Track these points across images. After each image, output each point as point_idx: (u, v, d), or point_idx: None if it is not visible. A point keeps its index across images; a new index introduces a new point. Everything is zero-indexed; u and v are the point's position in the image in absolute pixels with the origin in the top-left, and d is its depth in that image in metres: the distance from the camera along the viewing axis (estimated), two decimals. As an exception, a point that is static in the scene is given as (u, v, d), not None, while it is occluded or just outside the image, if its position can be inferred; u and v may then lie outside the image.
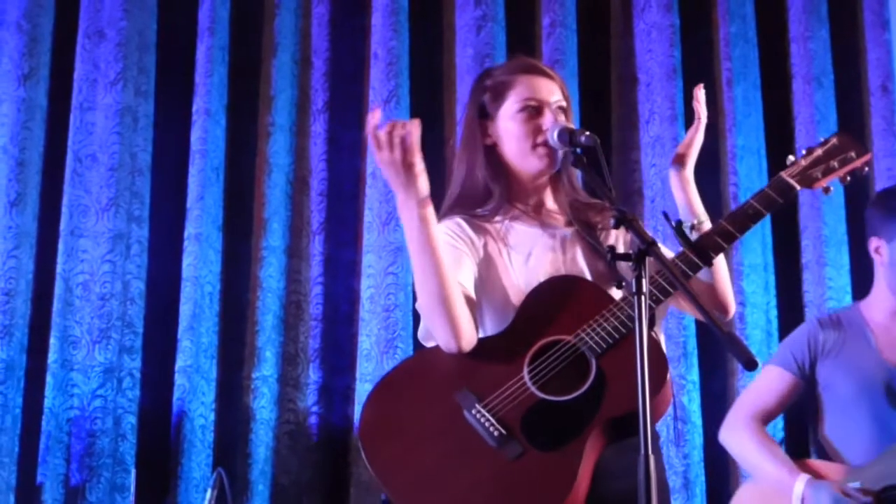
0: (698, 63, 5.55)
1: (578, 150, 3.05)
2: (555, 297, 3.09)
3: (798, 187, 3.14)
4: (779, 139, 5.51)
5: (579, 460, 2.89)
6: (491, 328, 3.19)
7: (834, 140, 3.21)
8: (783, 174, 3.15)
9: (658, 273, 3.00)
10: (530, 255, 3.20)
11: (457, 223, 3.24)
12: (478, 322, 3.17)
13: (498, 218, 3.25)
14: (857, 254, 5.34)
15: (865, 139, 5.52)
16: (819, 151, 3.19)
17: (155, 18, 5.18)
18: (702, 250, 3.03)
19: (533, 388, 2.97)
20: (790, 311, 5.32)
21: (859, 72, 5.68)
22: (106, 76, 5.01)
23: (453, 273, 3.06)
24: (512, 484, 2.91)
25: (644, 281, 2.60)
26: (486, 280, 3.19)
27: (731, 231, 3.06)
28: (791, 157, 3.20)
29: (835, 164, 3.17)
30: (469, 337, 3.05)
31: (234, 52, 5.24)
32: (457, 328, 3.02)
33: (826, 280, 5.24)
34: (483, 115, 3.29)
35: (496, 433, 2.94)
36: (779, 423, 5.19)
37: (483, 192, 3.26)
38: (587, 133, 3.07)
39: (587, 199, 3.31)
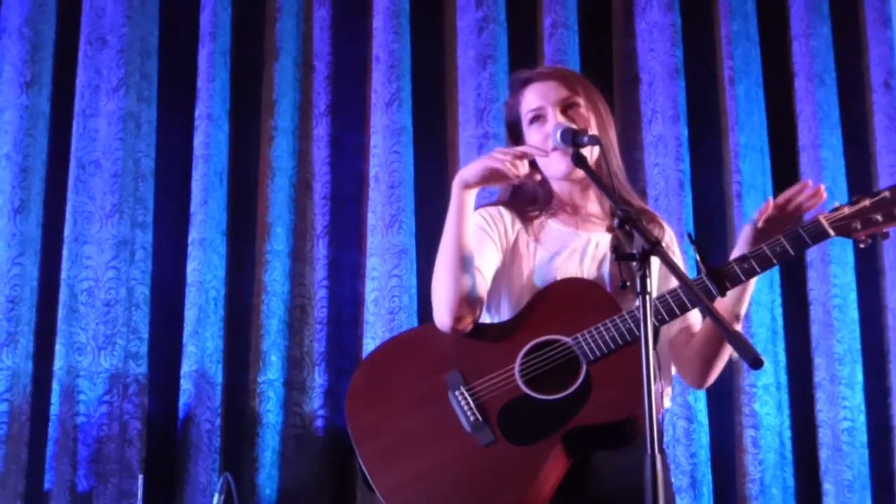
0: (700, 62, 5.55)
1: (581, 149, 3.06)
2: (565, 297, 3.11)
3: (833, 235, 3.03)
4: (782, 137, 5.50)
5: (545, 461, 2.92)
6: (502, 313, 3.23)
7: (886, 193, 3.04)
8: (822, 218, 3.02)
9: (669, 293, 3.00)
10: (556, 254, 3.22)
11: (498, 210, 3.30)
12: (494, 309, 3.23)
13: (537, 215, 3.29)
14: (861, 251, 5.33)
15: (868, 136, 5.52)
16: (867, 202, 3.04)
17: (156, 24, 5.18)
18: (718, 278, 2.99)
19: (519, 382, 3.01)
20: (795, 309, 5.32)
21: (861, 69, 5.67)
22: (108, 82, 5.02)
23: (472, 256, 3.11)
24: (476, 470, 2.96)
25: (648, 281, 2.59)
26: (509, 271, 3.23)
27: (754, 266, 3.00)
28: (837, 203, 3.07)
29: (878, 217, 3.02)
30: (463, 320, 3.09)
31: (236, 57, 5.25)
32: (453, 306, 3.07)
33: (831, 277, 5.23)
34: (517, 136, 3.35)
35: (472, 418, 2.99)
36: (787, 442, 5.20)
37: (531, 200, 3.33)
38: (590, 133, 3.08)
39: (637, 206, 3.29)
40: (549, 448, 2.93)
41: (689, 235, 2.99)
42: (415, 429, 3.03)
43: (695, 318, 3.25)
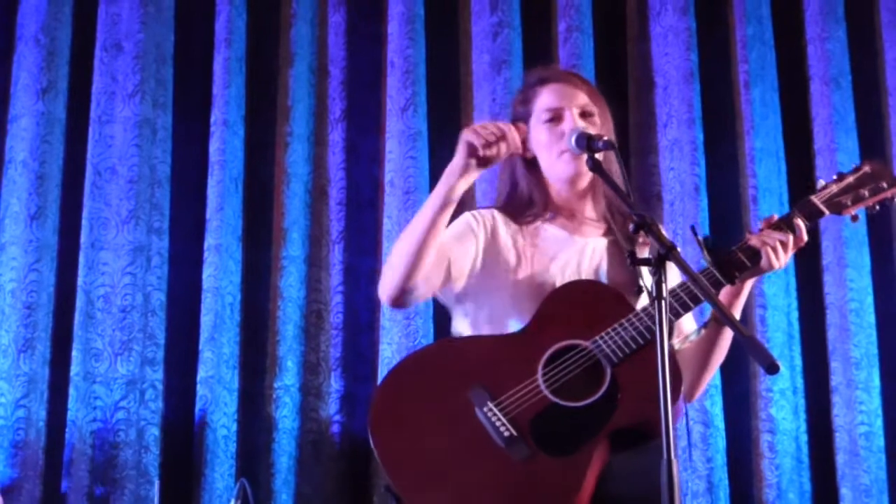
0: (715, 66, 5.53)
1: (596, 155, 3.05)
2: (576, 300, 3.10)
3: (827, 212, 3.12)
4: (797, 141, 5.48)
5: (586, 469, 2.90)
6: (505, 323, 3.19)
7: (866, 168, 3.17)
8: (813, 198, 3.12)
9: (680, 287, 3.01)
10: (554, 258, 3.21)
11: (492, 214, 3.29)
12: (496, 318, 3.20)
13: (533, 220, 3.28)
14: (877, 255, 5.32)
15: (884, 140, 5.49)
16: (850, 178, 3.15)
17: (172, 30, 5.20)
18: (726, 268, 3.02)
19: (546, 392, 2.98)
20: (811, 314, 5.30)
21: (877, 72, 5.64)
22: (124, 89, 5.04)
23: (439, 242, 3.11)
24: (517, 486, 2.92)
25: (664, 286, 2.59)
26: (505, 277, 3.21)
27: (757, 250, 3.04)
28: (822, 181, 3.17)
29: (865, 192, 3.13)
30: (405, 300, 3.14)
31: (251, 63, 5.26)
32: (403, 284, 3.09)
33: (847, 281, 5.21)
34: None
35: (506, 433, 2.96)
36: (803, 447, 5.18)
37: (527, 202, 3.30)
38: (605, 138, 3.07)
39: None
40: (588, 455, 2.91)
41: (693, 228, 3.00)
42: (446, 451, 2.98)
43: (685, 325, 3.25)
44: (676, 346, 3.15)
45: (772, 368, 2.41)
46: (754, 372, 5.15)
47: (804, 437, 5.18)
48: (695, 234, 2.94)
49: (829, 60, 5.50)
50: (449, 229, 3.22)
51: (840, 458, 5.10)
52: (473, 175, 3.08)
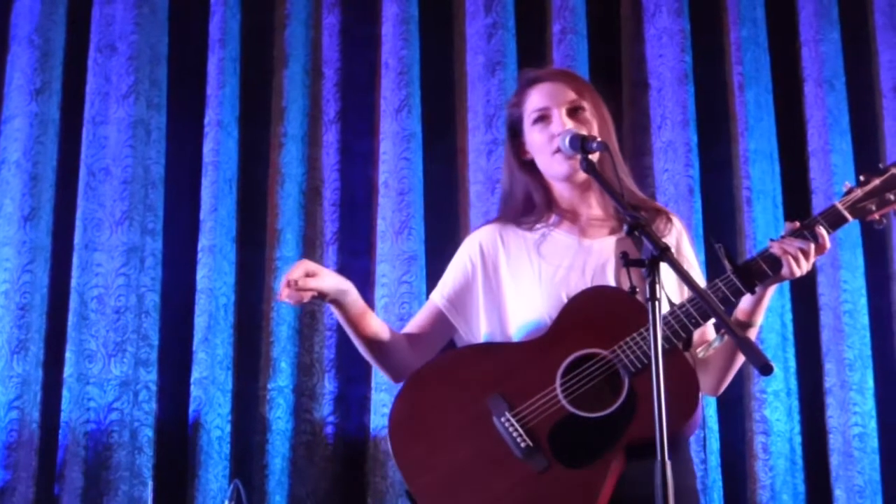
0: (709, 68, 5.53)
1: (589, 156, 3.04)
2: (596, 308, 3.08)
3: (850, 219, 3.04)
4: (791, 142, 5.48)
5: (603, 481, 2.89)
6: (513, 334, 3.20)
7: (893, 170, 3.08)
8: (838, 204, 3.04)
9: (694, 300, 2.99)
10: (559, 266, 3.20)
11: (492, 235, 3.33)
12: (500, 330, 3.22)
13: (538, 226, 3.28)
14: (871, 256, 5.32)
15: (879, 142, 5.50)
16: (877, 181, 3.06)
17: (166, 31, 5.20)
18: (746, 276, 3.00)
19: (564, 402, 2.97)
20: (805, 315, 5.30)
21: (871, 74, 5.64)
22: (118, 89, 5.03)
23: (380, 344, 3.28)
24: (534, 497, 2.92)
25: (658, 287, 2.58)
26: (513, 288, 3.22)
27: (778, 258, 3.00)
28: (847, 184, 3.09)
29: (891, 196, 3.05)
30: (398, 376, 3.32)
31: (246, 64, 5.26)
32: (387, 373, 3.34)
33: (841, 283, 5.21)
34: (516, 135, 3.35)
35: (523, 444, 2.95)
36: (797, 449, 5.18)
37: (527, 204, 3.32)
38: (598, 139, 3.07)
39: (640, 203, 3.28)
40: (605, 467, 2.90)
41: (712, 240, 2.99)
42: (465, 460, 2.98)
43: (708, 332, 3.24)
44: (700, 355, 3.15)
45: (765, 370, 2.41)
46: (748, 373, 5.15)
47: (798, 439, 5.18)
48: (714, 244, 2.93)
49: (824, 62, 5.50)
50: (445, 289, 3.36)
51: (834, 460, 5.10)
52: (338, 308, 3.22)
